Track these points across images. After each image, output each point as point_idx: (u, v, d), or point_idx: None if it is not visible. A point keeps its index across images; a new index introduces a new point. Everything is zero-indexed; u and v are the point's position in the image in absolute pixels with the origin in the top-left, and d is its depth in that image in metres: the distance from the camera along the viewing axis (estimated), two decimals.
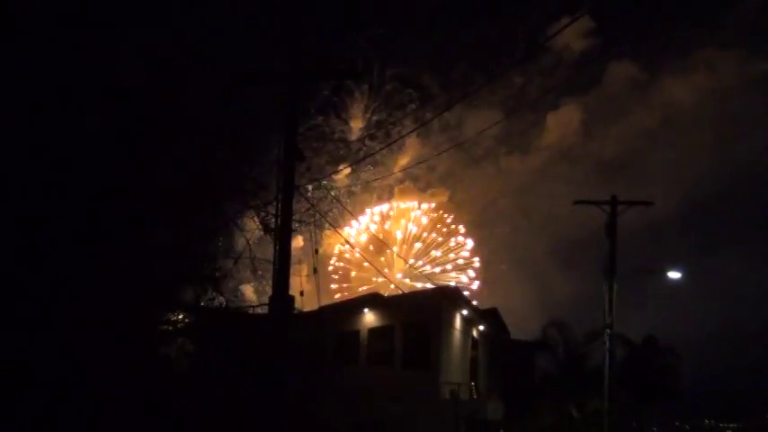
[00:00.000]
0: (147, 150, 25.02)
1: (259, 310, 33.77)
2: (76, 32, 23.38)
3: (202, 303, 30.74)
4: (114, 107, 23.97)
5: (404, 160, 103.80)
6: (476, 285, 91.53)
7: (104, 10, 24.12)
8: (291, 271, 24.79)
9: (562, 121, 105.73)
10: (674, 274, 42.13)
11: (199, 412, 29.78)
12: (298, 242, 32.94)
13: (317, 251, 33.08)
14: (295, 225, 27.23)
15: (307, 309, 37.00)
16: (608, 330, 40.11)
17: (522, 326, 63.13)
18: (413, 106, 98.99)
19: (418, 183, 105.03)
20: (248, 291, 37.07)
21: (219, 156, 28.59)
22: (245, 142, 30.01)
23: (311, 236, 33.77)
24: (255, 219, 30.63)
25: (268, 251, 26.85)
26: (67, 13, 23.25)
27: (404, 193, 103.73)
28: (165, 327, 29.93)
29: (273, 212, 25.93)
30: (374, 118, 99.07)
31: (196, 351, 31.53)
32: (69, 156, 22.93)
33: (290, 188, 24.48)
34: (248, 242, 31.26)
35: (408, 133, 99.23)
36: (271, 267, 24.88)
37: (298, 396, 29.21)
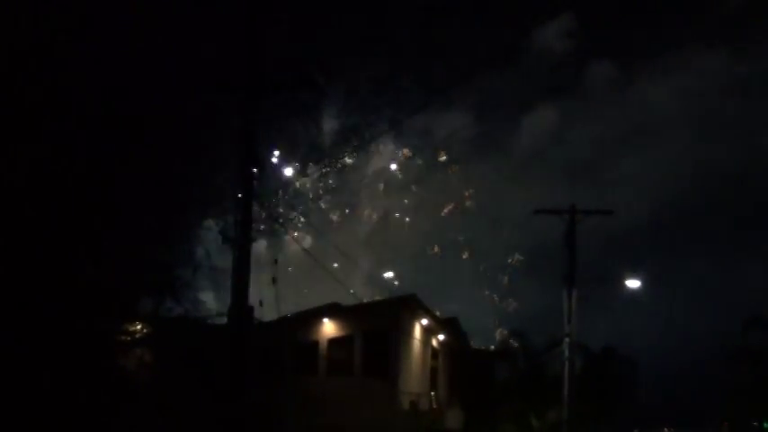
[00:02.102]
0: (107, 158, 24.78)
1: (218, 320, 33.54)
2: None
3: (161, 313, 30.45)
4: (73, 112, 23.77)
5: (378, 164, 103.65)
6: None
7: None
8: (252, 278, 24.64)
9: (536, 124, 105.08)
10: (632, 283, 42.32)
11: (157, 425, 29.51)
12: (261, 246, 32.74)
13: (276, 260, 32.83)
14: (255, 234, 27.06)
15: (267, 318, 36.76)
16: (567, 339, 40.20)
17: (483, 335, 63.08)
18: (387, 109, 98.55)
19: (388, 187, 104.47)
20: (208, 299, 36.80)
21: (179, 164, 28.37)
22: (204, 150, 29.79)
23: (270, 244, 33.52)
24: (215, 226, 30.40)
25: (228, 259, 26.67)
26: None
27: (372, 197, 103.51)
28: (123, 337, 29.63)
29: (232, 221, 25.77)
30: (348, 121, 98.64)
31: (155, 362, 31.22)
32: (25, 163, 22.68)
33: (248, 199, 24.33)
34: (207, 251, 31.06)
35: (379, 136, 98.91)
36: (230, 275, 24.73)
37: (257, 407, 28.99)
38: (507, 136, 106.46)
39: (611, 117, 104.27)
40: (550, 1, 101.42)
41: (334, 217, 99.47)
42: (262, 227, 29.76)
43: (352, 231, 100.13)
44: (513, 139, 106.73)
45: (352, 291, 45.69)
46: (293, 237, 31.97)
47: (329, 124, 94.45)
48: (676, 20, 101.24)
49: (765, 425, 60.81)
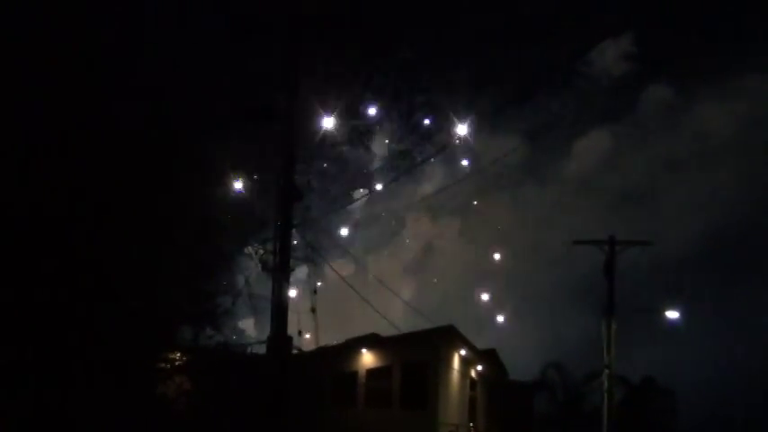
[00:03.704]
0: (148, 188, 25.04)
1: (257, 347, 33.64)
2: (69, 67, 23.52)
3: (201, 341, 30.62)
4: (113, 140, 24.07)
5: (426, 190, 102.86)
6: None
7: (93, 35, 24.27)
8: (292, 307, 24.76)
9: (588, 150, 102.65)
10: (672, 314, 42.12)
11: None
12: (303, 273, 32.89)
13: (315, 291, 32.92)
14: (293, 264, 27.21)
15: (308, 346, 36.87)
16: (606, 371, 40.03)
17: (522, 366, 62.57)
18: (439, 134, 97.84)
19: (433, 213, 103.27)
20: (249, 326, 37.03)
21: (219, 193, 28.63)
22: (245, 179, 30.06)
23: (310, 275, 33.68)
24: (254, 255, 30.58)
25: (268, 286, 26.82)
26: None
27: (416, 223, 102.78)
28: (163, 365, 29.82)
29: (272, 250, 25.93)
30: (399, 147, 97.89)
31: (194, 390, 31.38)
32: (71, 195, 22.96)
33: (287, 229, 24.50)
34: (246, 280, 31.21)
35: (423, 162, 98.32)
36: (271, 302, 24.86)
37: None
38: (558, 161, 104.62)
39: (666, 143, 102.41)
40: (609, 23, 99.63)
41: (379, 244, 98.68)
42: (301, 255, 29.93)
43: (396, 259, 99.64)
44: (564, 164, 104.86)
45: (388, 318, 45.60)
46: (330, 265, 31.96)
47: (380, 149, 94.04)
48: (735, 45, 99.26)
49: None
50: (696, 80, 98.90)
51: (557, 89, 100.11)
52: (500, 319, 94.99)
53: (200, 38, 27.63)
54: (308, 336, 36.64)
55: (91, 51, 24.03)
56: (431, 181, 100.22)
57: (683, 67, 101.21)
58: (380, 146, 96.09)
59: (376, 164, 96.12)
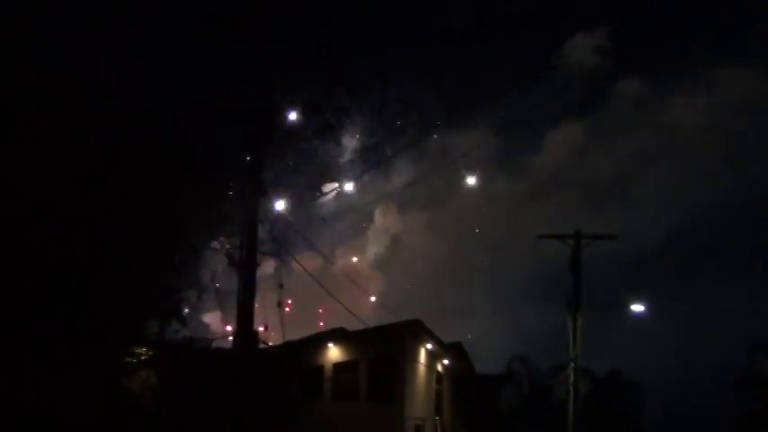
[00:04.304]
0: (112, 183, 24.95)
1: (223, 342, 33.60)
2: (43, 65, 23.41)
3: (167, 336, 30.56)
4: (78, 138, 23.96)
5: (396, 184, 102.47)
6: None
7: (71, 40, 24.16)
8: (258, 301, 24.76)
9: (560, 143, 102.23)
10: (637, 308, 42.32)
11: None
12: (269, 268, 32.82)
13: (281, 286, 32.93)
14: (260, 258, 27.22)
15: (274, 341, 36.88)
16: (572, 364, 40.25)
17: (488, 360, 62.79)
18: (411, 128, 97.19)
19: (402, 207, 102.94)
20: (215, 320, 36.95)
21: (184, 188, 28.54)
22: (210, 174, 29.98)
23: (277, 269, 33.62)
24: (221, 249, 30.54)
25: (234, 281, 26.82)
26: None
27: (384, 217, 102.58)
28: (129, 359, 29.74)
29: (238, 245, 25.91)
30: (371, 140, 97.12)
31: (160, 384, 31.32)
32: (33, 189, 22.86)
33: (253, 224, 24.51)
34: (213, 274, 31.21)
35: (393, 156, 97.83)
36: (236, 297, 24.85)
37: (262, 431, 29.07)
38: (529, 155, 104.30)
39: (636, 137, 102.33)
40: (582, 16, 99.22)
41: (346, 239, 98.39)
42: (267, 249, 29.88)
43: (364, 253, 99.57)
44: (535, 158, 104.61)
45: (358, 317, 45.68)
46: (297, 260, 31.96)
47: (350, 143, 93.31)
48: (707, 39, 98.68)
49: None
50: (668, 74, 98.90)
51: (529, 83, 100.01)
52: (467, 312, 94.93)
53: (167, 33, 27.48)
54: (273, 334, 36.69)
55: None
56: (401, 175, 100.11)
57: (655, 62, 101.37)
58: (351, 140, 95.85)
59: (346, 157, 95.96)
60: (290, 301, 36.74)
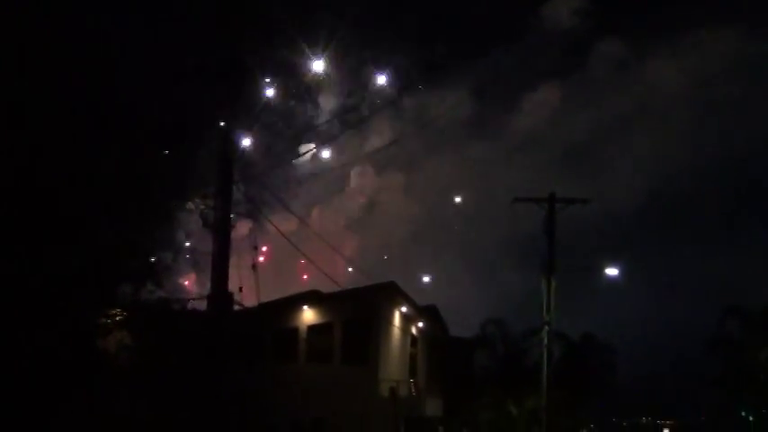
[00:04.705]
0: (86, 143, 24.80)
1: (198, 303, 33.53)
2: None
3: (141, 297, 30.50)
4: (53, 99, 23.80)
5: (372, 145, 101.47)
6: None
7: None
8: (233, 263, 24.70)
9: (537, 105, 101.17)
10: (611, 271, 42.48)
11: (137, 406, 29.62)
12: (244, 229, 32.73)
13: (255, 247, 32.83)
14: (234, 219, 27.14)
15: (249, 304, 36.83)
16: (546, 327, 40.47)
17: (463, 322, 62.92)
18: (387, 89, 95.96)
19: (378, 168, 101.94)
20: (189, 282, 36.85)
21: (158, 147, 28.39)
22: (184, 133, 29.80)
23: (252, 230, 33.52)
24: (195, 210, 30.41)
25: (209, 242, 26.74)
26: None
27: (360, 178, 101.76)
28: (104, 320, 29.68)
29: (213, 206, 25.82)
30: (348, 101, 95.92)
31: (135, 345, 31.30)
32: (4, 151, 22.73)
33: (227, 184, 24.41)
34: (187, 235, 31.07)
35: (368, 117, 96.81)
36: (211, 259, 24.78)
37: (237, 394, 29.09)
38: (506, 117, 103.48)
39: (615, 99, 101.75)
40: None
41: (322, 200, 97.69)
42: (242, 209, 29.79)
43: (340, 214, 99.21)
44: (512, 120, 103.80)
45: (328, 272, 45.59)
46: (271, 221, 31.90)
47: (327, 104, 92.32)
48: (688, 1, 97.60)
49: (743, 413, 61.21)
50: (648, 36, 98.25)
51: (507, 43, 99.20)
52: (442, 275, 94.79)
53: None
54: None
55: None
56: (378, 136, 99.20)
57: (635, 23, 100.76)
58: (327, 101, 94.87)
59: (322, 118, 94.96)
60: (264, 249, 36.43)
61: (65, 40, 24.36)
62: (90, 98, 24.83)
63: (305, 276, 59.39)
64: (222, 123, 24.95)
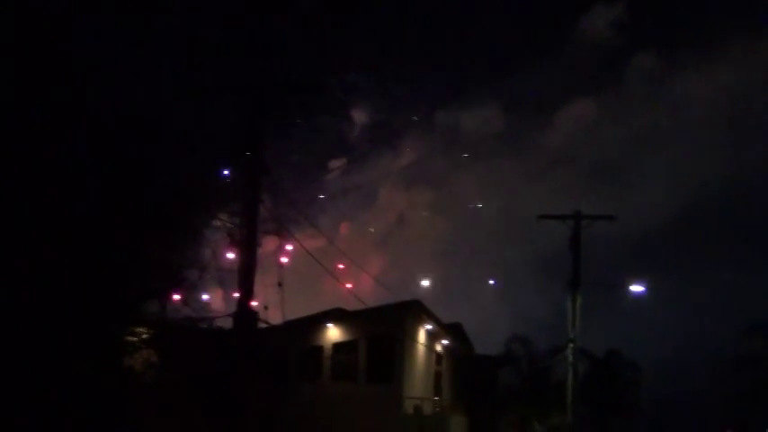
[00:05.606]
0: (114, 162, 24.95)
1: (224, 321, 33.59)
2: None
3: (168, 315, 30.62)
4: (83, 118, 23.95)
5: (404, 161, 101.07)
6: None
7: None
8: (259, 280, 24.74)
9: (570, 121, 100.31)
10: (636, 288, 42.21)
11: (161, 424, 29.71)
12: (271, 246, 32.76)
13: (282, 265, 32.90)
14: (261, 237, 27.20)
15: (275, 321, 36.88)
16: (571, 344, 40.31)
17: (488, 340, 62.73)
18: (420, 104, 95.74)
19: (407, 184, 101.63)
20: (216, 299, 36.94)
21: (186, 165, 28.53)
22: (212, 151, 29.94)
23: (278, 248, 33.59)
24: (222, 228, 30.49)
25: (235, 259, 26.80)
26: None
27: (389, 195, 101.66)
28: (130, 338, 29.80)
29: (239, 223, 25.89)
30: (379, 117, 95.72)
31: (161, 363, 31.42)
32: (37, 168, 22.86)
33: (254, 202, 24.46)
34: (214, 253, 31.16)
35: (405, 130, 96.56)
36: (237, 275, 24.83)
37: (261, 411, 29.14)
38: (539, 132, 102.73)
39: (648, 114, 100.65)
40: None
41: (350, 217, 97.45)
42: (269, 227, 29.82)
43: (367, 232, 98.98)
44: (545, 135, 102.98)
45: (348, 288, 45.57)
46: (298, 240, 31.91)
47: (359, 119, 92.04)
48: (723, 14, 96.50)
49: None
50: (683, 49, 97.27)
51: (543, 58, 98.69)
52: (467, 292, 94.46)
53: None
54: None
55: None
56: (407, 152, 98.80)
57: (671, 37, 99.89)
58: (360, 116, 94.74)
59: (354, 134, 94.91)
60: (289, 248, 36.27)
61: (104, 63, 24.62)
62: (117, 116, 25.02)
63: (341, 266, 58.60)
64: (249, 139, 24.96)
